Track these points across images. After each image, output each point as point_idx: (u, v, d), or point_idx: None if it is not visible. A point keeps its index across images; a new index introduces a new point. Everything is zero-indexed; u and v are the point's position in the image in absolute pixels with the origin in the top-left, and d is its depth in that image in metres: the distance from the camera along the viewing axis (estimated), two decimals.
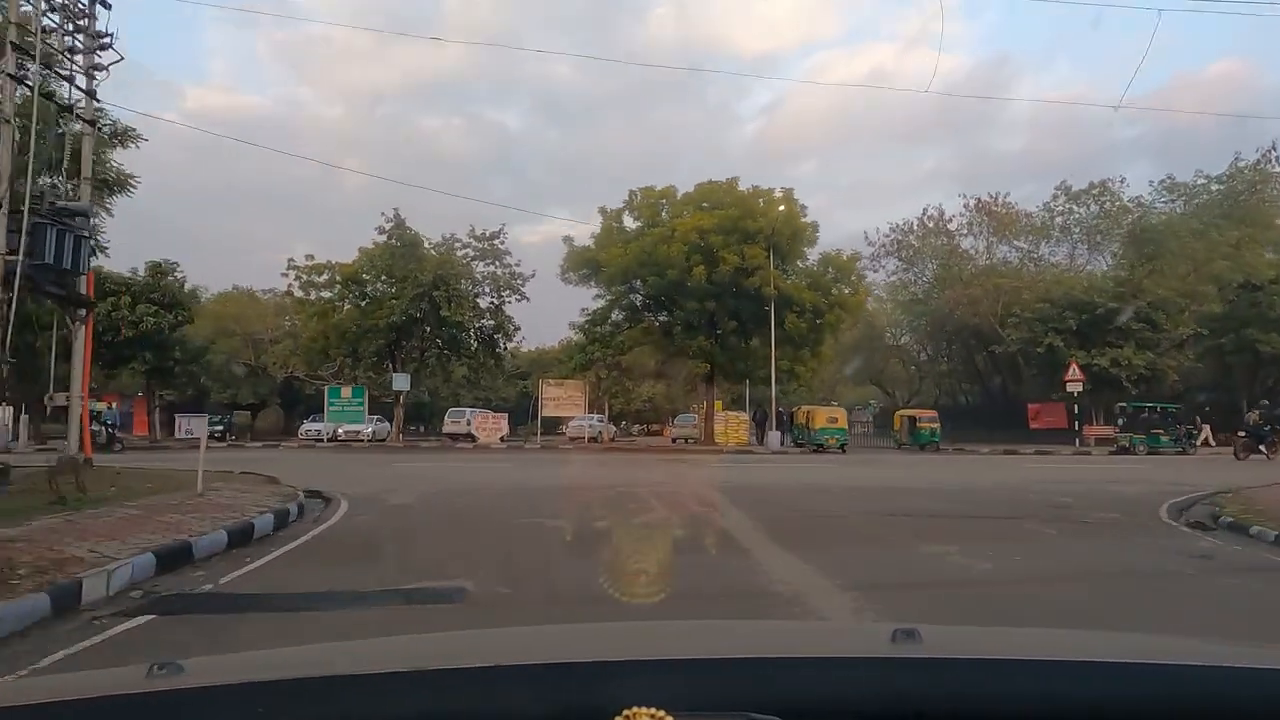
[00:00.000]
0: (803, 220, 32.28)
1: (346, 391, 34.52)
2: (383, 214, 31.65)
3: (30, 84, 13.86)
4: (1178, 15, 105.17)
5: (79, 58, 14.61)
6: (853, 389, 72.05)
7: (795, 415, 36.16)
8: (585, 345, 34.05)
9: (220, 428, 40.24)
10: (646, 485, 14.72)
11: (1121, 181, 40.19)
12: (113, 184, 20.04)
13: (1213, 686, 1.10)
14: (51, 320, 16.63)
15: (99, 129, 16.60)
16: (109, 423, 30.31)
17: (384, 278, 32.72)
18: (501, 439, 35.93)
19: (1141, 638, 2.40)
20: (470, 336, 35.28)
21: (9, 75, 12.92)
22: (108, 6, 14.52)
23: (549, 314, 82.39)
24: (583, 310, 35.58)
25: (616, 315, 35.87)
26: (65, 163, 14.92)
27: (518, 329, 35.70)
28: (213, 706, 1.04)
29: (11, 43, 12.96)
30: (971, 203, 41.14)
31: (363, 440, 34.58)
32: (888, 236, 41.39)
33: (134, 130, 19.96)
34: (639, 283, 33.05)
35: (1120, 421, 31.53)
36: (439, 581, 6.38)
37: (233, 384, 47.72)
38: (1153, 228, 37.47)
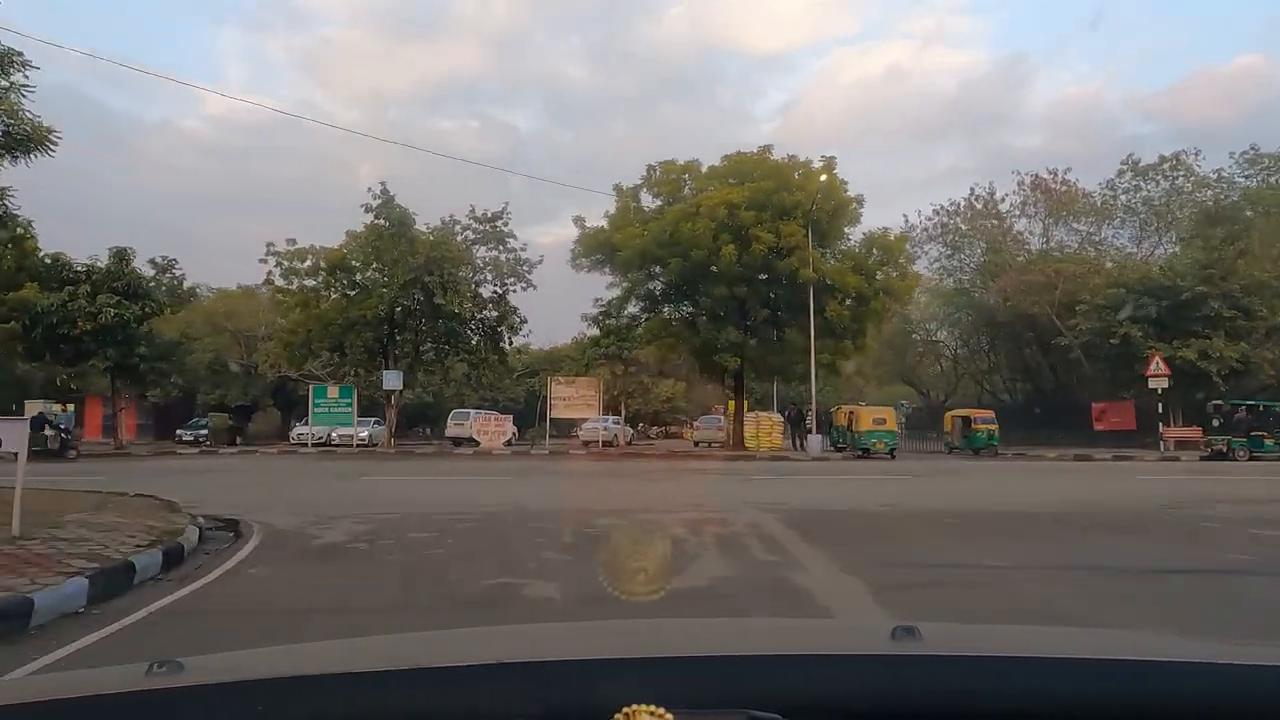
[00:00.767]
0: (845, 194, 28.37)
1: (333, 391, 31.00)
2: (369, 189, 28.05)
3: None
4: (1201, 7, 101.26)
5: None
6: (878, 387, 68.05)
7: (834, 416, 32.29)
8: (599, 339, 30.30)
9: (203, 431, 37.01)
10: (679, 509, 10.98)
11: (1196, 154, 36.04)
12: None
13: (1214, 685, 1.08)
14: None
15: None
16: (62, 427, 26.95)
17: (375, 265, 29.10)
18: (509, 442, 32.27)
19: (1142, 636, 2.32)
20: (470, 329, 31.61)
21: None
22: None
23: (563, 313, 79.11)
24: (596, 301, 31.88)
25: (633, 306, 32.12)
26: None
27: (524, 321, 32.03)
28: (212, 705, 1.04)
29: None
30: (1027, 180, 37.06)
31: (352, 445, 31.06)
32: (930, 220, 37.32)
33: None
34: (658, 268, 29.30)
35: (1215, 422, 27.39)
36: None
37: (222, 384, 44.52)
38: (1236, 204, 33.27)
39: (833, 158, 26.97)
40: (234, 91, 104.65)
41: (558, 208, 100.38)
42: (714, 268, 27.49)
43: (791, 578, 6.66)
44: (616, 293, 31.52)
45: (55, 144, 17.38)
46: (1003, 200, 37.77)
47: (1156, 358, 28.12)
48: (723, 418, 43.24)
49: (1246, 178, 35.03)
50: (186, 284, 55.38)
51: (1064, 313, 35.18)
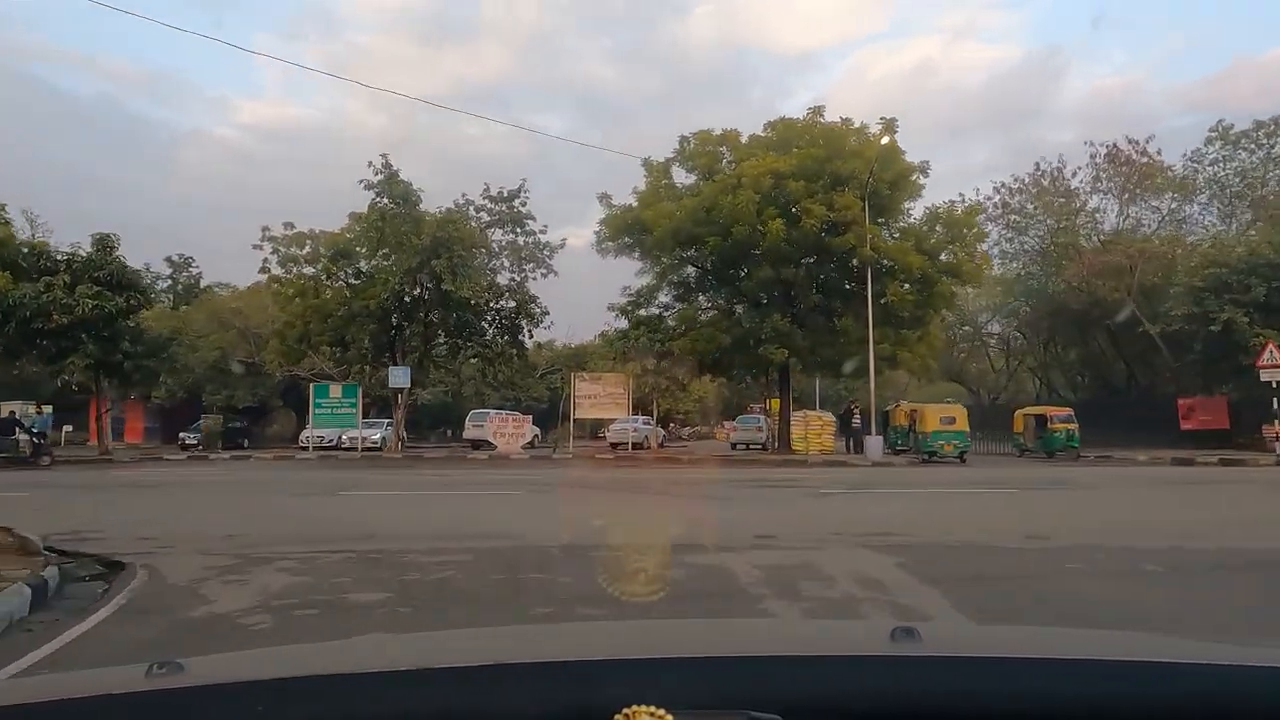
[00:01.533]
0: (906, 161, 24.93)
1: (336, 390, 28.18)
2: (370, 164, 25.08)
3: None
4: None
5: None
6: (920, 385, 64.19)
7: (891, 415, 28.85)
8: (627, 331, 27.14)
9: (194, 437, 34.39)
10: (745, 544, 7.80)
11: None
12: None
13: (1213, 685, 1.08)
14: None
15: None
16: (35, 431, 24.36)
17: (380, 250, 26.13)
18: (531, 444, 29.29)
19: (1141, 636, 2.33)
20: (486, 321, 28.60)
21: None
22: None
23: (590, 311, 76.50)
24: (624, 289, 28.74)
25: (665, 295, 28.94)
26: None
27: (545, 312, 28.91)
28: (213, 705, 1.03)
29: None
30: (1100, 151, 33.24)
31: (356, 449, 28.25)
32: (989, 199, 33.51)
33: None
34: (694, 250, 26.10)
35: None
36: None
37: (229, 384, 42.04)
38: None
39: (893, 119, 23.55)
40: (270, 99, 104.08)
41: (583, 211, 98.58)
42: (757, 248, 24.24)
43: None
44: (647, 280, 28.42)
45: None
46: (1074, 175, 33.97)
47: (1271, 346, 24.35)
48: (762, 417, 39.98)
49: None
50: (204, 283, 54.28)
51: (1141, 299, 31.45)
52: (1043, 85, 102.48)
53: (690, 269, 28.45)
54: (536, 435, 34.68)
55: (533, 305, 28.54)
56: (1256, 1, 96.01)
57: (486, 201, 27.57)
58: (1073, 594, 6.03)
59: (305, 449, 29.17)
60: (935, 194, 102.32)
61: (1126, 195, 34.37)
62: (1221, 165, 33.19)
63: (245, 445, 37.19)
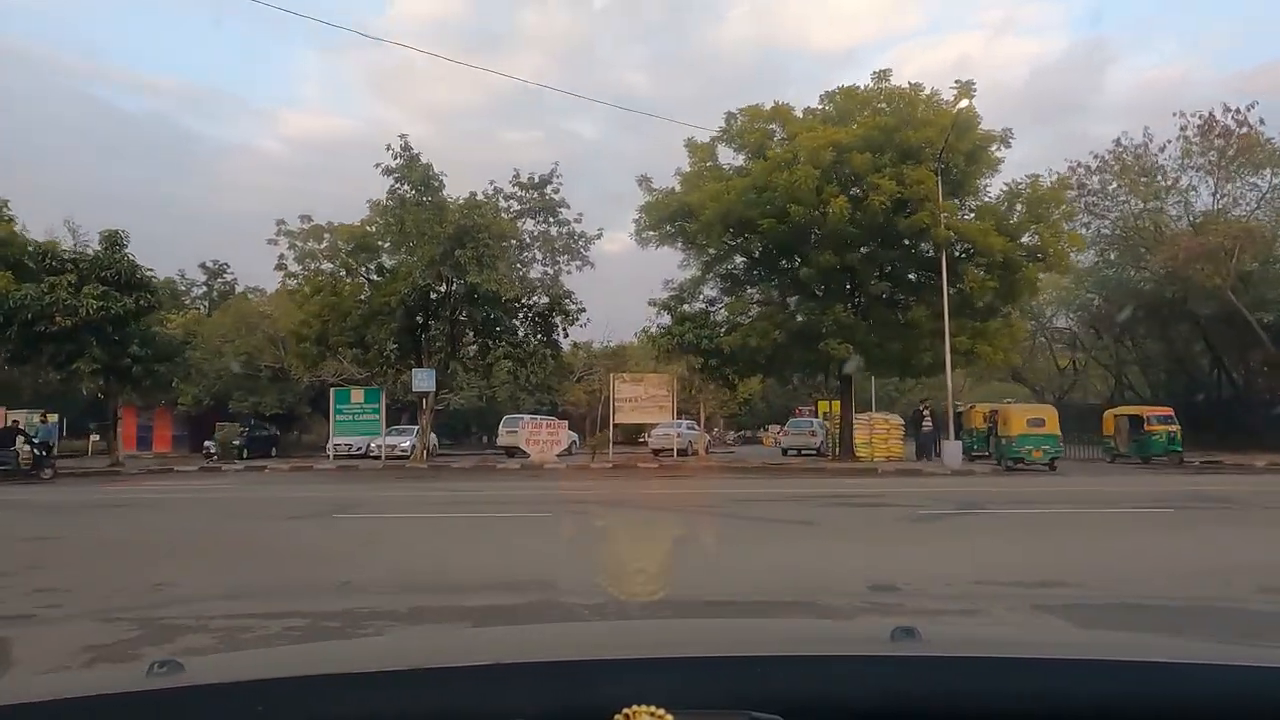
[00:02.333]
0: (984, 130, 22.12)
1: (357, 395, 26.18)
2: (388, 147, 22.95)
3: None
4: None
5: None
6: (975, 384, 60.58)
7: (966, 416, 25.97)
8: (671, 327, 24.67)
9: (213, 449, 32.68)
10: (856, 601, 5.34)
11: None
12: None
13: (1214, 685, 1.07)
14: None
15: None
16: (38, 442, 22.61)
17: (407, 244, 23.95)
18: (569, 451, 27.02)
19: (1141, 636, 2.27)
20: (518, 319, 26.36)
21: None
22: None
23: (630, 313, 74.53)
24: (666, 283, 26.33)
25: (711, 287, 26.44)
26: None
27: (581, 309, 26.59)
28: (213, 705, 1.03)
29: None
30: (1193, 123, 29.86)
31: (379, 458, 26.26)
32: (1065, 176, 30.15)
33: None
34: (743, 238, 23.58)
35: None
36: None
37: (256, 390, 40.52)
38: None
39: (970, 81, 20.73)
40: (311, 110, 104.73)
41: (617, 218, 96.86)
42: (817, 230, 21.65)
43: None
44: (691, 271, 25.95)
45: None
46: (1162, 150, 30.64)
47: None
48: (815, 420, 37.22)
49: None
50: (238, 289, 53.10)
51: (1239, 286, 28.18)
52: (1087, 78, 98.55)
53: (739, 258, 25.94)
54: (574, 442, 32.40)
55: (567, 301, 26.24)
56: None
57: (516, 189, 25.35)
58: None
59: (340, 457, 27.35)
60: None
61: (1221, 171, 30.96)
62: None
63: (274, 454, 35.64)
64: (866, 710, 1.00)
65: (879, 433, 24.73)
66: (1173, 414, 24.91)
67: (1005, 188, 22.92)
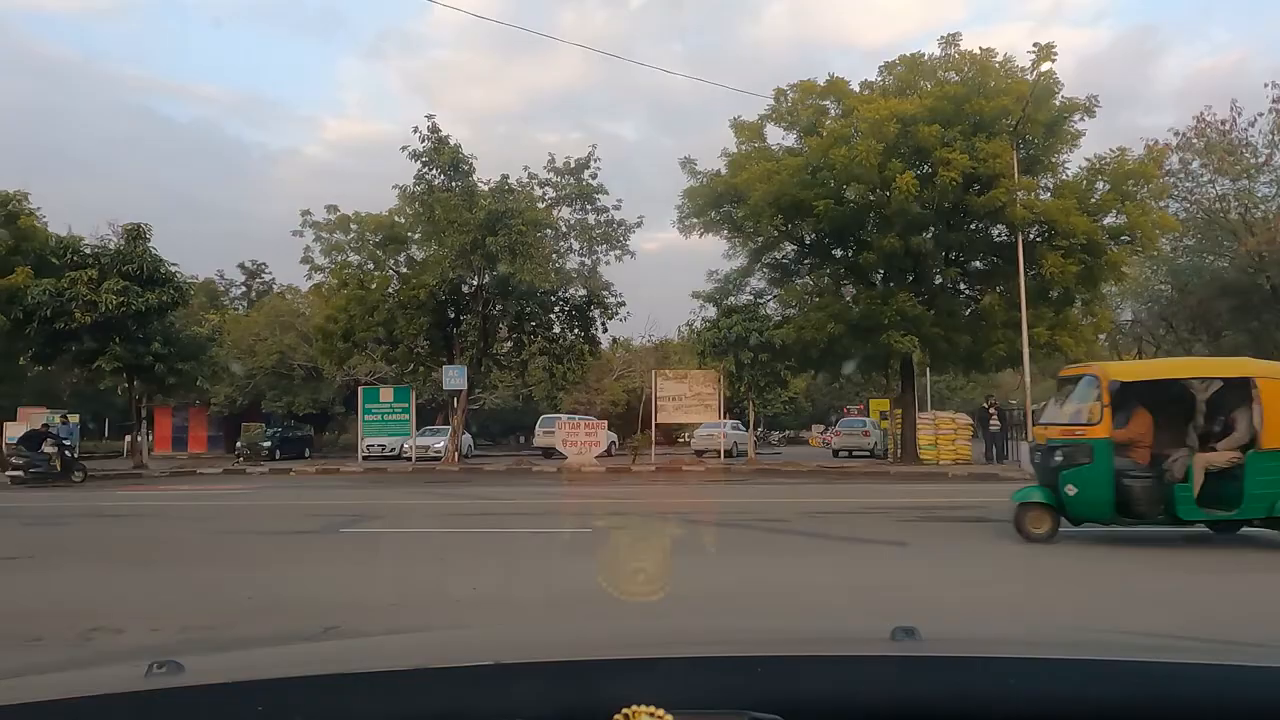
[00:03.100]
0: (1065, 98, 20.02)
1: (387, 394, 24.92)
2: (415, 129, 21.57)
3: None
4: None
5: None
6: (1011, 382, 57.80)
7: (1038, 415, 23.81)
8: (718, 320, 22.96)
9: (264, 445, 31.85)
10: None
11: None
12: None
13: (1214, 685, 1.07)
14: None
15: None
16: (67, 443, 21.63)
17: (437, 235, 22.52)
18: (608, 452, 25.43)
19: (1140, 636, 2.22)
20: (554, 313, 24.86)
21: None
22: None
23: (668, 310, 72.96)
24: (710, 274, 24.65)
25: (759, 278, 24.70)
26: None
27: (621, 302, 25.00)
28: (212, 705, 1.02)
29: None
30: None
31: (410, 460, 25.01)
32: (1160, 146, 27.72)
33: None
34: (794, 223, 21.78)
35: None
36: None
37: (291, 390, 39.72)
38: None
39: (1049, 44, 18.66)
40: (353, 116, 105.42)
41: (655, 220, 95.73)
42: (879, 212, 19.79)
43: None
44: (739, 260, 24.24)
45: None
46: (1251, 124, 28.08)
47: None
48: (868, 420, 35.21)
49: None
50: (275, 286, 52.59)
51: None
52: (1135, 68, 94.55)
53: (788, 246, 24.16)
54: (612, 443, 30.87)
55: (606, 293, 24.66)
56: None
57: (551, 175, 23.83)
58: None
59: (374, 457, 26.25)
60: None
61: None
62: None
63: (307, 455, 34.76)
64: (867, 710, 0.99)
65: (945, 433, 22.74)
66: None
67: (1086, 162, 20.79)
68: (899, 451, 22.94)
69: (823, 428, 63.19)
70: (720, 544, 8.06)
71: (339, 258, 23.90)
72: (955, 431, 22.74)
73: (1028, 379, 19.93)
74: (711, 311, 24.12)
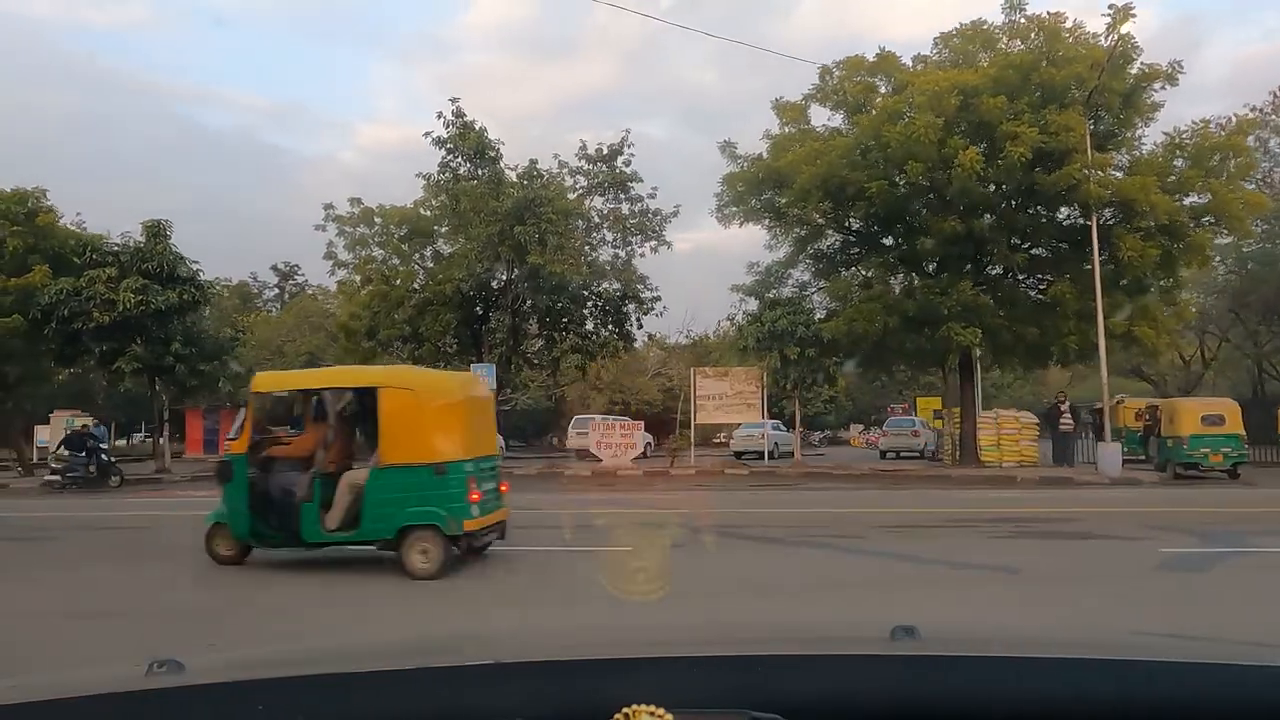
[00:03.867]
0: (1145, 64, 18.27)
1: None
2: (439, 114, 20.45)
3: None
4: None
5: None
6: (1068, 382, 55.32)
7: (1117, 413, 22.06)
8: (762, 314, 21.52)
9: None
10: None
11: None
12: None
13: (1214, 685, 1.07)
14: None
15: None
16: (103, 446, 20.82)
17: (465, 228, 21.39)
18: (644, 454, 24.14)
19: (1140, 636, 2.20)
20: (587, 308, 23.60)
21: None
22: None
23: (703, 310, 71.59)
24: (750, 266, 23.22)
25: (801, 271, 23.21)
26: None
27: (656, 297, 23.68)
28: (212, 705, 1.02)
29: None
30: None
31: None
32: (1251, 117, 25.35)
33: None
34: (845, 208, 20.26)
35: None
36: None
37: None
38: None
39: (1128, 5, 16.92)
40: (385, 120, 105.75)
41: (689, 219, 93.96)
42: (938, 194, 18.23)
43: None
44: (783, 250, 22.76)
45: None
46: None
47: None
48: (917, 419, 33.51)
49: None
50: (308, 287, 52.20)
51: None
52: (1178, 56, 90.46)
53: (832, 236, 22.65)
54: (649, 444, 29.56)
55: (640, 287, 23.35)
56: None
57: (583, 163, 22.60)
58: None
59: None
60: None
61: None
62: None
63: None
64: (867, 710, 0.99)
65: (1008, 433, 21.06)
66: None
67: (1165, 136, 19.00)
68: (957, 453, 21.29)
69: (862, 427, 61.29)
70: (801, 573, 6.66)
71: (363, 252, 22.92)
72: (1019, 431, 21.04)
73: (1105, 374, 18.22)
74: (753, 305, 22.73)
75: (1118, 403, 22.66)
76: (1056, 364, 23.15)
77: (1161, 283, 19.52)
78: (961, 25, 19.83)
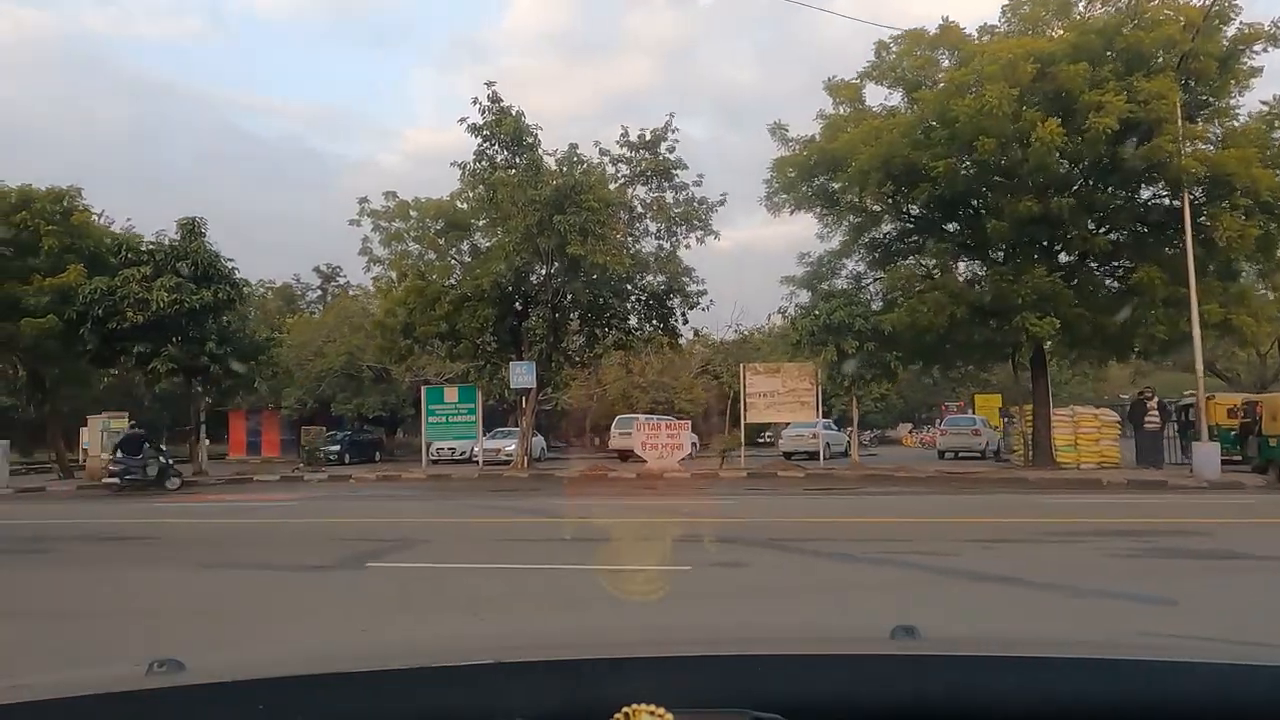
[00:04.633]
0: (1240, 25, 16.60)
1: (451, 394, 23.06)
2: (474, 100, 19.51)
3: None
4: None
5: None
6: (1130, 378, 52.64)
7: (1207, 410, 20.28)
8: (817, 305, 20.23)
9: (333, 449, 30.57)
10: None
11: None
12: None
13: (1214, 685, 1.06)
14: None
15: None
16: (163, 448, 20.33)
17: (504, 221, 20.44)
18: (691, 455, 23.03)
19: (1141, 636, 2.08)
20: (629, 303, 22.53)
21: None
22: None
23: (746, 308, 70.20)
24: (801, 257, 21.96)
25: (855, 261, 21.88)
26: None
27: (702, 290, 22.50)
28: (213, 705, 1.02)
29: None
30: None
31: (477, 463, 23.17)
32: None
33: None
34: (906, 190, 18.90)
35: None
36: None
37: (360, 391, 38.65)
38: None
39: None
40: (425, 125, 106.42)
41: (729, 215, 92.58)
42: (1011, 173, 16.76)
43: None
44: (838, 239, 21.47)
45: None
46: None
47: None
48: (978, 418, 31.84)
49: None
50: (357, 282, 52.17)
51: None
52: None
53: (887, 224, 21.31)
54: (695, 445, 28.42)
55: (686, 279, 22.19)
56: None
57: (624, 150, 21.50)
58: None
59: (436, 463, 24.69)
60: None
61: None
62: None
63: (378, 458, 33.56)
64: (867, 709, 0.98)
65: (1086, 432, 19.48)
66: None
67: (1264, 105, 17.28)
68: (1029, 453, 19.76)
69: (910, 426, 59.26)
70: (895, 602, 5.48)
71: (398, 248, 22.15)
72: (1099, 430, 19.45)
73: (1200, 365, 16.59)
74: (804, 298, 21.47)
75: (1210, 399, 20.85)
76: (1138, 356, 21.38)
77: (1258, 266, 17.82)
78: None
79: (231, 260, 23.29)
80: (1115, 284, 18.45)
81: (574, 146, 19.83)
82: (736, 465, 21.70)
